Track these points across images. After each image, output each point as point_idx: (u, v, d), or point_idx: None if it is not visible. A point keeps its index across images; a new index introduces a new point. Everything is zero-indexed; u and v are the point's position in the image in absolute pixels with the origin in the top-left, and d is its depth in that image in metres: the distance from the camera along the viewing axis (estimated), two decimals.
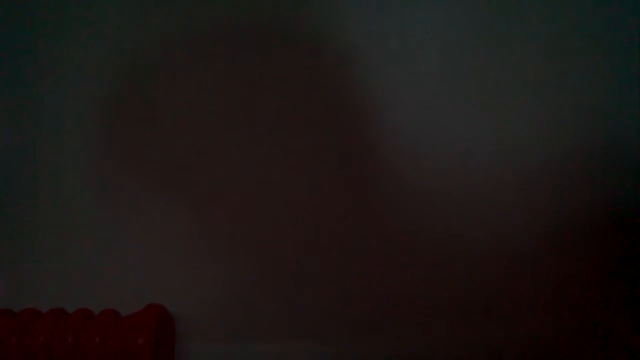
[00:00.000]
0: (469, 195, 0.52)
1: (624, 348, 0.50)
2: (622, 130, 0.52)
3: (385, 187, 0.53)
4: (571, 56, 0.52)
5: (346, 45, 0.52)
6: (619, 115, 0.52)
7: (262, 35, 0.52)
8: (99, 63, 0.54)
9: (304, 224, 0.54)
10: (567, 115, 0.52)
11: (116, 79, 0.54)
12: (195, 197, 0.54)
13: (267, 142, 0.53)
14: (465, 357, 0.52)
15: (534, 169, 0.52)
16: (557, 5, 0.52)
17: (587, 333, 0.51)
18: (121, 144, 0.54)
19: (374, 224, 0.53)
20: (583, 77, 0.53)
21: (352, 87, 0.52)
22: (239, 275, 0.53)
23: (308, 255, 0.53)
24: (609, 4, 0.52)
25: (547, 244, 0.52)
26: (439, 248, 0.52)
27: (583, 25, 0.52)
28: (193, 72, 0.53)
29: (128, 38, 0.54)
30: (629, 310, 0.51)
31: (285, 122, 0.53)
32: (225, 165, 0.54)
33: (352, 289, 0.53)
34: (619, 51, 0.52)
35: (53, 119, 0.54)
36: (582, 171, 0.52)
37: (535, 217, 0.52)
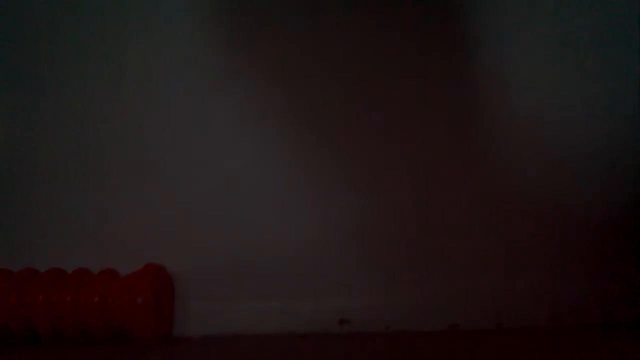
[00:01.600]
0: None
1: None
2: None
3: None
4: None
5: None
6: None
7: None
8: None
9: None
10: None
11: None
12: (194, 158, 0.54)
13: None
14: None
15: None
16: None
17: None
18: None
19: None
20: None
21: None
22: (239, 233, 0.53)
23: (312, 210, 0.53)
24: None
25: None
26: None
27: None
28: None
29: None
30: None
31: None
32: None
33: (355, 247, 0.53)
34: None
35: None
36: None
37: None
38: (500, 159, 0.52)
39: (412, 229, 0.52)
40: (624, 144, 0.51)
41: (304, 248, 0.53)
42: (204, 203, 0.53)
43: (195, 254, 0.53)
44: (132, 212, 0.54)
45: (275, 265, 0.53)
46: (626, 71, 0.52)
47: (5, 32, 0.55)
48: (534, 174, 0.52)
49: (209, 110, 0.54)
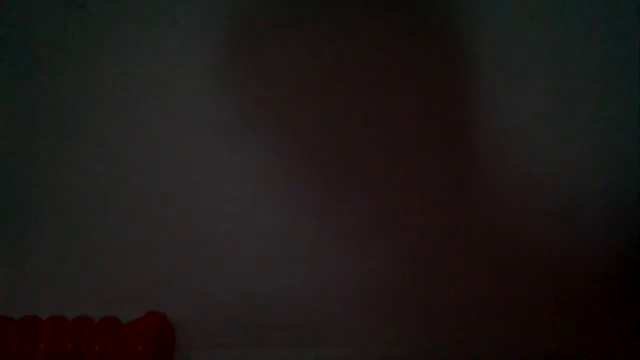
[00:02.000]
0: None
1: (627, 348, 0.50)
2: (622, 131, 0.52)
3: None
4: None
5: None
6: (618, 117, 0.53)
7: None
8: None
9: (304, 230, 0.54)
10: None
11: None
12: (197, 205, 0.54)
13: None
14: None
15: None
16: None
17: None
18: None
19: None
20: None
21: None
22: (240, 282, 0.53)
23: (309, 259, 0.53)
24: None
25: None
26: None
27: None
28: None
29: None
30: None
31: None
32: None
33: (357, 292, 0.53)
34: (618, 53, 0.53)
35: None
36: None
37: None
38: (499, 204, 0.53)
39: (421, 278, 0.53)
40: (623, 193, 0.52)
41: (307, 297, 0.53)
42: (205, 251, 0.54)
43: (196, 303, 0.53)
44: (133, 260, 0.54)
45: (277, 314, 0.53)
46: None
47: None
48: (533, 222, 0.53)
49: (214, 156, 0.54)
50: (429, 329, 0.52)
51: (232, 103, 0.54)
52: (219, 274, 0.53)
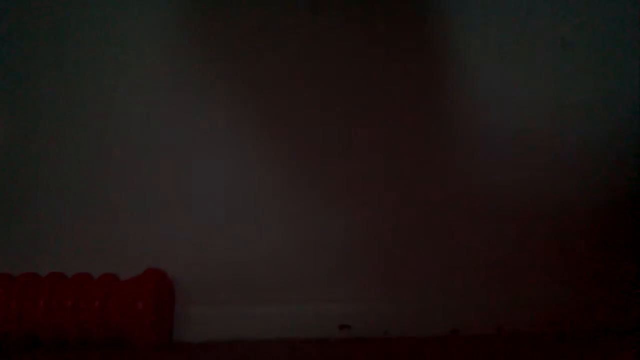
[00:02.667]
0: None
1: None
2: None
3: None
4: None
5: None
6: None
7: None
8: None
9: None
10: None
11: None
12: (195, 165, 0.54)
13: None
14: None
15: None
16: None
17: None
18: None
19: None
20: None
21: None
22: (239, 240, 0.53)
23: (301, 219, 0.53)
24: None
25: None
26: None
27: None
28: None
29: None
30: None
31: None
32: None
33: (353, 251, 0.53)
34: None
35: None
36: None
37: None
38: (496, 162, 0.52)
39: (412, 234, 0.53)
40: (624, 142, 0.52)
41: (304, 254, 0.53)
42: (203, 210, 0.54)
43: (195, 260, 0.53)
44: (132, 217, 0.54)
45: (275, 271, 0.53)
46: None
47: (6, 33, 0.55)
48: (531, 176, 0.52)
49: (209, 119, 0.54)
50: (423, 282, 0.53)
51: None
52: (216, 233, 0.53)
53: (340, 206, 0.53)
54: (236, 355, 0.50)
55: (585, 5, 0.52)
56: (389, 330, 0.52)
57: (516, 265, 0.52)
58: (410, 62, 0.53)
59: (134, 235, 0.53)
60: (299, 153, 0.54)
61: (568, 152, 0.52)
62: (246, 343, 0.52)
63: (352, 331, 0.52)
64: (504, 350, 0.48)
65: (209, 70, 0.54)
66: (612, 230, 0.52)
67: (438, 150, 0.53)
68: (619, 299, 0.51)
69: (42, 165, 0.54)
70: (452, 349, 0.49)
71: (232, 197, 0.53)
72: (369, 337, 0.52)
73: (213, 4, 0.54)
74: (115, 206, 0.54)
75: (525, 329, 0.51)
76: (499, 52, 0.53)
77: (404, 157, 0.53)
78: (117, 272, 0.51)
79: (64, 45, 0.55)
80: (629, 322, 0.50)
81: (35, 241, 0.54)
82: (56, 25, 0.55)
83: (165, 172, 0.54)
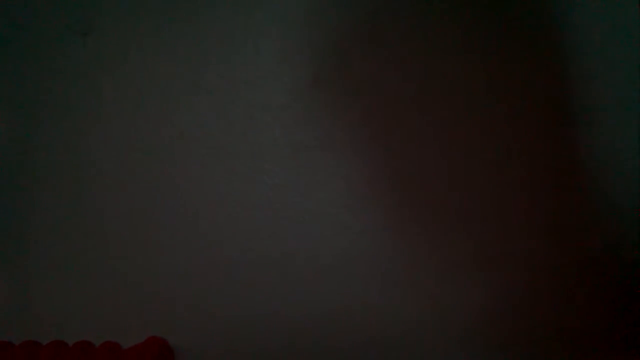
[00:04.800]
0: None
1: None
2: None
3: None
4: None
5: None
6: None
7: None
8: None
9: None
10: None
11: None
12: (193, 225, 0.54)
13: None
14: None
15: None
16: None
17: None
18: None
19: None
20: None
21: None
22: (240, 309, 0.53)
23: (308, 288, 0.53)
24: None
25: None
26: None
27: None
28: None
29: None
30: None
31: None
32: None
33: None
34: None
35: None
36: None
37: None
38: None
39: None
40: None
41: (306, 323, 0.53)
42: (205, 278, 0.54)
43: (196, 329, 0.53)
44: (134, 285, 0.54)
45: (276, 342, 0.53)
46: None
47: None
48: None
49: (203, 181, 0.54)
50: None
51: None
52: (218, 301, 0.53)
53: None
54: None
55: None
56: None
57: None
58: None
59: (136, 303, 0.53)
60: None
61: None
62: None
63: None
64: None
65: None
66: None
67: None
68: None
69: (42, 229, 0.54)
70: None
71: (235, 266, 0.53)
72: None
73: None
74: (117, 274, 0.54)
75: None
76: None
77: None
78: (118, 340, 0.51)
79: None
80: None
81: (36, 309, 0.53)
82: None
83: (169, 241, 0.54)
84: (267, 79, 0.54)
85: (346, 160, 0.53)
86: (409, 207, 0.53)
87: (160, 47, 0.54)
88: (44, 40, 0.55)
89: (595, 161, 0.52)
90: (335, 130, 0.53)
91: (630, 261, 0.52)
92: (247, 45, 0.54)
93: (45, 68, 0.55)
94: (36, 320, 0.53)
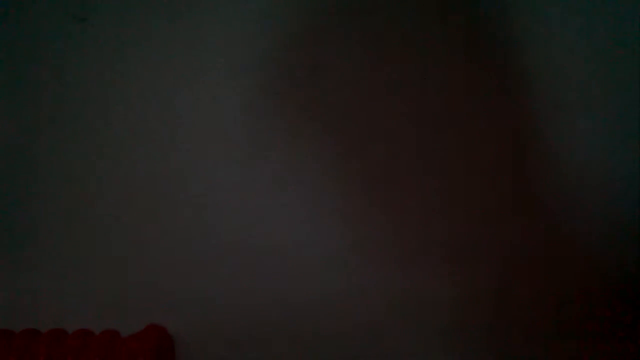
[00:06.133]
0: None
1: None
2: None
3: None
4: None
5: None
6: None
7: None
8: None
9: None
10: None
11: None
12: (194, 213, 0.54)
13: None
14: None
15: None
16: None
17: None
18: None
19: None
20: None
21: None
22: (242, 296, 0.53)
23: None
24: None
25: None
26: None
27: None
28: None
29: None
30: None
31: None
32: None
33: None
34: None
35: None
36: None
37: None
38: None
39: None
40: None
41: (308, 309, 0.53)
42: (206, 264, 0.53)
43: (196, 316, 0.53)
44: (134, 272, 0.53)
45: (279, 327, 0.53)
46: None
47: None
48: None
49: (214, 168, 0.54)
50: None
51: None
52: (219, 288, 0.53)
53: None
54: None
55: None
56: None
57: None
58: None
59: (135, 290, 0.53)
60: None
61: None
62: None
63: None
64: None
65: None
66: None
67: None
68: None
69: (42, 220, 0.54)
70: None
71: (238, 252, 0.53)
72: None
73: None
74: (117, 261, 0.53)
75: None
76: None
77: None
78: (118, 328, 0.51)
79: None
80: None
81: (35, 297, 0.53)
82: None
83: (170, 227, 0.54)
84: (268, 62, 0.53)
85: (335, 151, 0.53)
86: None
87: (158, 35, 0.54)
88: (41, 28, 0.55)
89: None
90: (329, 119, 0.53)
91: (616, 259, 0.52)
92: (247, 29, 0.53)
93: (42, 56, 0.54)
94: (36, 309, 0.53)
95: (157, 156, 0.54)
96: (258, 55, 0.53)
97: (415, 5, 0.52)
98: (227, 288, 0.53)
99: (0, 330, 0.50)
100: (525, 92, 0.52)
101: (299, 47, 0.52)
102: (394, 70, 0.52)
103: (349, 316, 0.53)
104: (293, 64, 0.53)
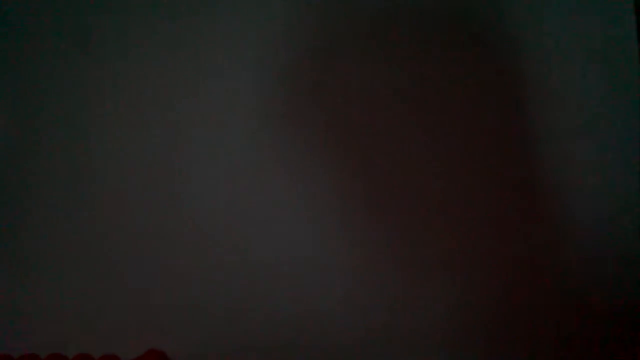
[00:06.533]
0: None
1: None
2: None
3: None
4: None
5: None
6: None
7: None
8: None
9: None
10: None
11: None
12: (194, 239, 0.54)
13: None
14: None
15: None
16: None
17: None
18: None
19: None
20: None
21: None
22: (240, 321, 0.53)
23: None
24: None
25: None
26: None
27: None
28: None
29: None
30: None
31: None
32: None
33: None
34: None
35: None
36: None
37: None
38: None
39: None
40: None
41: (303, 334, 0.53)
42: (205, 289, 0.53)
43: (196, 341, 0.53)
44: (134, 297, 0.53)
45: (276, 354, 0.52)
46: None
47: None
48: None
49: (213, 189, 0.54)
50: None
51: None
52: (219, 314, 0.53)
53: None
54: None
55: None
56: None
57: None
58: None
59: (136, 315, 0.53)
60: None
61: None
62: None
63: None
64: None
65: None
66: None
67: None
68: None
69: (44, 245, 0.54)
70: None
71: (235, 278, 0.53)
72: None
73: None
74: (117, 287, 0.53)
75: None
76: None
77: None
78: (118, 353, 0.51)
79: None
80: None
81: (35, 322, 0.53)
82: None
83: (168, 255, 0.53)
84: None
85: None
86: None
87: (160, 47, 0.54)
88: (44, 45, 0.54)
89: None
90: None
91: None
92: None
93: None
94: (35, 333, 0.53)
95: (159, 187, 0.54)
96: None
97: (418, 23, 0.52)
98: (226, 314, 0.53)
99: (0, 355, 0.50)
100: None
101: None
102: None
103: (349, 330, 0.53)
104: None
